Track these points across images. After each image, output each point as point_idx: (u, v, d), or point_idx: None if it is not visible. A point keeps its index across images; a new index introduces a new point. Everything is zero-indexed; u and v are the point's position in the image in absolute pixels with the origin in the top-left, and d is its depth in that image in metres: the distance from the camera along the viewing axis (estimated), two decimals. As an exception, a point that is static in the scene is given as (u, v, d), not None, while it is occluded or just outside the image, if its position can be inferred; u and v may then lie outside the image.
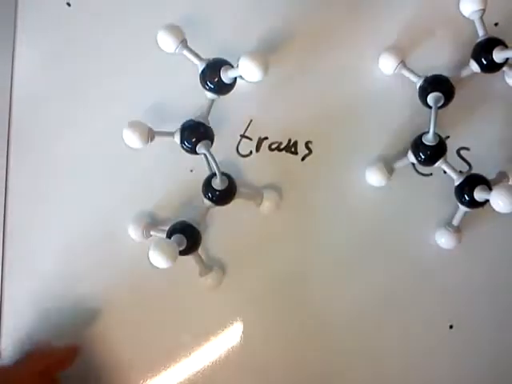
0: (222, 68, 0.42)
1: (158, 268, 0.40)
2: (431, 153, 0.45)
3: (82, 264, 0.49)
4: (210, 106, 0.45)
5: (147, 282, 0.49)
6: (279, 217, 0.48)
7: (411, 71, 0.46)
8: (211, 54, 0.44)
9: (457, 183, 0.45)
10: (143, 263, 0.44)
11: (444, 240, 0.47)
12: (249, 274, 0.49)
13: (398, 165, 0.47)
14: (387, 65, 0.47)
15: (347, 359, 0.49)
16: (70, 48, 0.50)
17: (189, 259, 0.46)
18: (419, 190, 0.49)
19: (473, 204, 0.45)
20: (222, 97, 0.45)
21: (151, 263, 0.39)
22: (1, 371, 0.46)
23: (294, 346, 0.49)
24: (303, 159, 0.49)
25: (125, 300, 0.49)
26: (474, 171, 0.48)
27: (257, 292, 0.49)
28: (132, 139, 0.44)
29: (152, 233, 0.47)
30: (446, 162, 0.45)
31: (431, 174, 0.49)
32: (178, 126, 0.45)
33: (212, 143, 0.45)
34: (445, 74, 0.45)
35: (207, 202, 0.45)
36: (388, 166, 0.47)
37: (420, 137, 0.45)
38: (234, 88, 0.45)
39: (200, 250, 0.46)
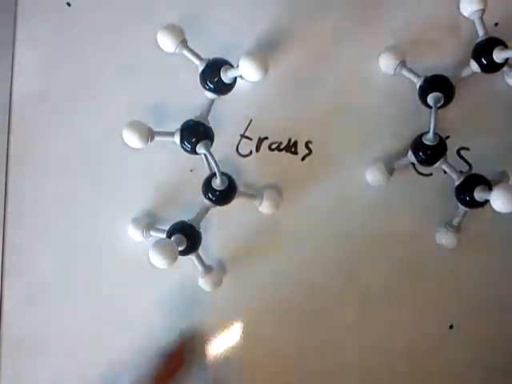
0: (222, 68, 0.42)
1: (157, 268, 0.40)
2: (431, 153, 0.45)
3: (82, 264, 0.49)
4: (210, 106, 0.45)
5: (147, 282, 0.49)
6: (279, 217, 0.48)
7: (411, 71, 0.46)
8: (211, 54, 0.44)
9: (457, 183, 0.45)
10: (143, 263, 0.44)
11: (444, 240, 0.47)
12: (249, 273, 0.49)
13: (398, 165, 0.47)
14: (387, 65, 0.47)
15: (347, 357, 0.49)
16: (69, 48, 0.50)
17: (189, 259, 0.46)
18: (419, 190, 0.49)
19: (473, 204, 0.45)
20: (222, 97, 0.45)
21: (151, 263, 0.39)
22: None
23: (293, 345, 0.49)
24: (303, 159, 0.49)
25: (124, 299, 0.49)
26: (474, 171, 0.48)
27: (257, 292, 0.49)
28: (132, 139, 0.44)
29: (152, 233, 0.47)
30: (446, 161, 0.45)
31: (431, 174, 0.49)
32: (178, 126, 0.45)
33: (212, 143, 0.45)
34: (445, 74, 0.45)
35: (207, 202, 0.45)
36: (388, 166, 0.47)
37: (420, 137, 0.45)
38: (234, 88, 0.45)
39: (200, 250, 0.46)
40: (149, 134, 0.44)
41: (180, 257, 0.41)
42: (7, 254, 0.49)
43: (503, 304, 0.50)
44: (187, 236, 0.43)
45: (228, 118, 0.48)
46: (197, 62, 0.44)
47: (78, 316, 0.49)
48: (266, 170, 0.49)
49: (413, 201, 0.49)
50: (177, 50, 0.44)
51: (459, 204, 0.46)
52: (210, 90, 0.44)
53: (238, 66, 0.40)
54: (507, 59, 0.44)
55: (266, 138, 0.49)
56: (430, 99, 0.45)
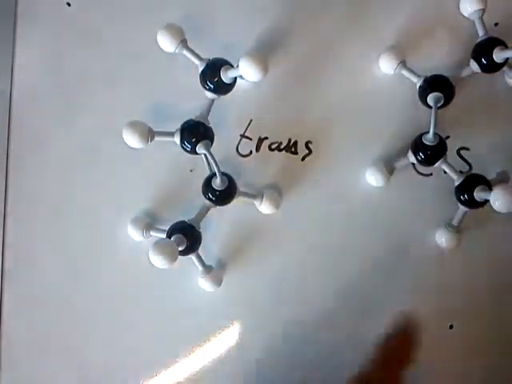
0: (222, 68, 0.42)
1: (157, 268, 0.40)
2: (431, 153, 0.45)
3: (82, 264, 0.49)
4: (210, 106, 0.45)
5: (147, 282, 0.49)
6: (279, 217, 0.48)
7: (411, 71, 0.46)
8: (211, 54, 0.44)
9: (457, 183, 0.45)
10: (143, 263, 0.44)
11: (444, 240, 0.47)
12: (249, 273, 0.49)
13: (398, 165, 0.47)
14: (387, 65, 0.47)
15: (347, 358, 0.49)
16: (69, 48, 0.50)
17: (189, 259, 0.46)
18: (419, 190, 0.49)
19: (473, 204, 0.45)
20: (222, 97, 0.45)
21: (151, 263, 0.39)
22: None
23: (294, 345, 0.49)
24: (303, 159, 0.49)
25: (124, 299, 0.49)
26: (474, 171, 0.48)
27: (257, 292, 0.49)
28: (132, 139, 0.44)
29: (152, 233, 0.47)
30: (446, 161, 0.45)
31: (431, 174, 0.49)
32: (178, 126, 0.45)
33: (212, 143, 0.45)
34: (445, 74, 0.45)
35: (207, 202, 0.45)
36: (388, 165, 0.47)
37: (420, 137, 0.45)
38: (234, 88, 0.45)
39: (200, 250, 0.46)
40: (149, 134, 0.44)
41: (180, 257, 0.41)
42: (7, 253, 0.49)
43: (503, 304, 0.50)
44: (187, 236, 0.43)
45: (228, 118, 0.48)
46: (197, 62, 0.44)
47: (78, 316, 0.49)
48: (265, 170, 0.49)
49: (413, 201, 0.49)
50: (177, 50, 0.44)
51: (459, 204, 0.46)
52: (210, 90, 0.44)
53: (237, 66, 0.40)
54: (507, 59, 0.44)
55: (266, 137, 0.49)
56: (430, 99, 0.45)
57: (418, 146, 0.45)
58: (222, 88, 0.44)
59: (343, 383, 0.48)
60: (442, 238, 0.48)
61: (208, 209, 0.45)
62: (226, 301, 0.49)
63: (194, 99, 0.46)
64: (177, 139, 0.44)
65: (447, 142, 0.46)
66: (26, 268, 0.49)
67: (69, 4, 0.50)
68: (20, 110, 0.50)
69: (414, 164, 0.48)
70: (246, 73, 0.39)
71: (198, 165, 0.47)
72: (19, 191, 0.49)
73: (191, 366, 0.49)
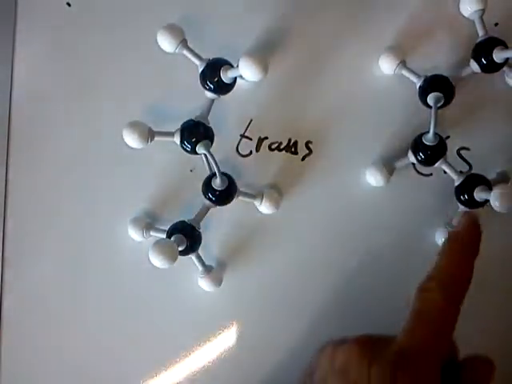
0: (222, 68, 0.42)
1: (157, 268, 0.40)
2: (431, 153, 0.45)
3: (82, 264, 0.49)
4: (210, 106, 0.45)
5: (146, 282, 0.49)
6: (279, 217, 0.48)
7: (411, 71, 0.46)
8: (211, 54, 0.44)
9: (457, 183, 0.45)
10: (143, 263, 0.44)
11: (444, 240, 0.47)
12: (249, 273, 0.49)
13: (398, 165, 0.47)
14: (387, 65, 0.47)
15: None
16: (70, 48, 0.50)
17: (189, 259, 0.46)
18: (419, 190, 0.49)
19: (473, 204, 0.45)
20: (222, 97, 0.45)
21: (151, 263, 0.39)
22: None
23: (293, 345, 0.49)
24: (303, 159, 0.49)
25: (124, 299, 0.49)
26: (474, 171, 0.48)
27: (257, 292, 0.49)
28: (132, 139, 0.44)
29: (152, 233, 0.47)
30: (446, 161, 0.45)
31: (431, 174, 0.49)
32: (178, 126, 0.45)
33: (212, 143, 0.45)
34: (445, 74, 0.45)
35: (207, 202, 0.45)
36: (388, 165, 0.47)
37: (420, 137, 0.45)
38: (234, 88, 0.45)
39: (200, 250, 0.46)
40: (149, 134, 0.44)
41: (180, 257, 0.41)
42: (7, 253, 0.49)
43: (503, 304, 0.49)
44: (187, 236, 0.43)
45: (228, 118, 0.48)
46: (197, 62, 0.44)
47: (78, 316, 0.49)
48: (266, 170, 0.49)
49: (413, 201, 0.49)
50: (177, 50, 0.44)
51: (459, 204, 0.46)
52: (209, 90, 0.44)
53: (237, 66, 0.40)
54: (507, 59, 0.44)
55: (266, 137, 0.49)
56: (430, 99, 0.45)
57: (417, 145, 0.45)
58: (222, 88, 0.44)
59: None
60: (442, 238, 0.48)
61: (208, 209, 0.46)
62: (226, 301, 0.49)
63: (194, 99, 0.46)
64: (177, 139, 0.44)
65: (447, 141, 0.46)
66: (26, 268, 0.49)
67: (69, 4, 0.50)
68: (20, 109, 0.50)
69: (414, 164, 0.48)
70: (246, 73, 0.39)
71: (198, 165, 0.47)
72: (19, 191, 0.49)
73: (191, 366, 0.49)
